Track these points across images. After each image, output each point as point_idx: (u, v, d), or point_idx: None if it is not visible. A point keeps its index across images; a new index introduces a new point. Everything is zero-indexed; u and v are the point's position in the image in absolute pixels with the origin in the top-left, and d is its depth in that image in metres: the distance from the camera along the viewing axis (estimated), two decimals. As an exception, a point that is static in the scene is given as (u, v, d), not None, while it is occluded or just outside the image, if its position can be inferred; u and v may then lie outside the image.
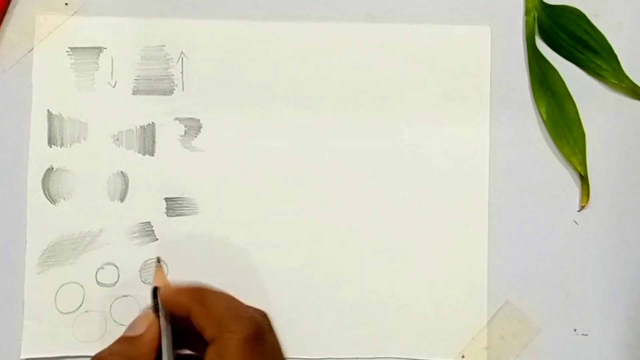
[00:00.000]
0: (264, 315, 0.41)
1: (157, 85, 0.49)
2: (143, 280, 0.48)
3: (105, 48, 0.49)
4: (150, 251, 0.48)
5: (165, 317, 0.41)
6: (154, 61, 0.49)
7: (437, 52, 0.49)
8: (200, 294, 0.41)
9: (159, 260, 0.45)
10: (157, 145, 0.48)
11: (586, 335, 0.48)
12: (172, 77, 0.49)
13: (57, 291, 0.47)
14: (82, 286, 0.48)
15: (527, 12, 0.49)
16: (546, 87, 0.49)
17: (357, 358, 0.48)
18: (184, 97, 0.49)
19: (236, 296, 0.46)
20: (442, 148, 0.49)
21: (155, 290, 0.43)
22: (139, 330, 0.41)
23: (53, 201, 0.48)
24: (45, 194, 0.48)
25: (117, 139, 0.48)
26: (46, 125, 0.48)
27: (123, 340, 0.41)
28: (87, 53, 0.49)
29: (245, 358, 0.38)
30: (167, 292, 0.41)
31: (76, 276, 0.48)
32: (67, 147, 0.48)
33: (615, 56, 0.49)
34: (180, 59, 0.49)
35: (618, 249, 0.49)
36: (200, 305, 0.40)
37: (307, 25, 0.49)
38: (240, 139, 0.49)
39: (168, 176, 0.48)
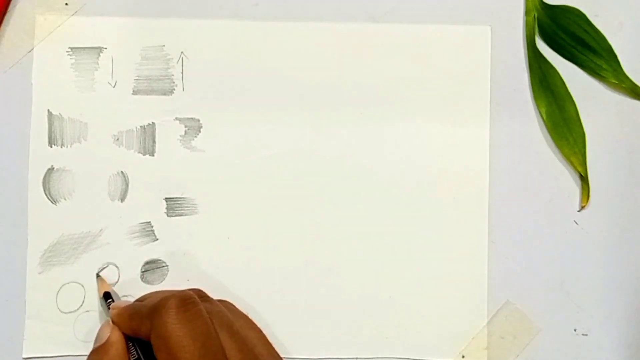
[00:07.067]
0: (192, 289, 0.43)
1: (157, 85, 0.49)
2: (143, 280, 0.48)
3: (105, 48, 0.49)
4: (150, 251, 0.48)
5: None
6: (154, 61, 0.49)
7: (437, 52, 0.49)
8: (130, 309, 0.43)
9: (98, 274, 0.47)
10: (157, 145, 0.48)
11: (586, 335, 0.48)
12: (172, 77, 0.49)
13: (58, 291, 0.48)
14: (83, 286, 0.48)
15: (527, 12, 0.49)
16: (546, 87, 0.49)
17: (357, 358, 0.48)
18: (184, 97, 0.49)
19: (235, 296, 0.47)
20: (442, 148, 0.49)
21: (105, 296, 0.45)
22: (103, 339, 0.42)
23: (54, 201, 0.48)
24: (45, 194, 0.48)
25: (117, 139, 0.48)
26: (46, 125, 0.48)
27: (92, 353, 0.43)
28: (87, 53, 0.49)
29: (183, 324, 0.39)
30: (113, 316, 0.44)
31: (77, 276, 0.48)
32: (67, 147, 0.48)
33: (615, 56, 0.49)
34: (180, 59, 0.49)
35: (618, 249, 0.49)
36: (130, 319, 0.42)
37: (307, 25, 0.49)
38: (240, 139, 0.49)
39: (168, 176, 0.48)
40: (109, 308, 0.45)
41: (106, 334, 0.43)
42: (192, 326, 0.39)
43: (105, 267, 0.48)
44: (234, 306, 0.45)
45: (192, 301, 0.40)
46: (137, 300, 0.46)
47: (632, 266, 0.49)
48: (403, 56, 0.49)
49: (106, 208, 0.48)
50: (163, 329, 0.39)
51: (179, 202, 0.48)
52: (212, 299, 0.44)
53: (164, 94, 0.49)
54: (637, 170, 0.49)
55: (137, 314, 0.42)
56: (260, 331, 0.43)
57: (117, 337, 0.42)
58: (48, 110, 0.48)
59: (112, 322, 0.43)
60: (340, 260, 0.48)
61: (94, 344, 0.43)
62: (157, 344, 0.39)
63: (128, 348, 0.42)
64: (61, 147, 0.48)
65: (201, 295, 0.43)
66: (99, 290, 0.47)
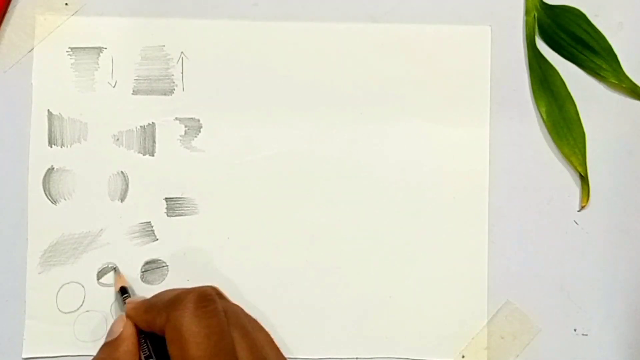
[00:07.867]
0: (210, 287, 0.43)
1: (157, 85, 0.49)
2: (143, 280, 0.48)
3: (105, 48, 0.49)
4: (150, 251, 0.48)
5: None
6: (154, 61, 0.49)
7: (437, 52, 0.49)
8: (146, 303, 0.43)
9: (115, 269, 0.48)
10: (157, 145, 0.48)
11: (586, 335, 0.48)
12: (172, 77, 0.49)
13: (58, 291, 0.48)
14: (83, 286, 0.48)
15: (527, 12, 0.49)
16: (546, 87, 0.49)
17: (357, 358, 0.48)
18: (184, 97, 0.49)
19: (235, 296, 0.47)
20: (442, 148, 0.49)
21: (121, 291, 0.46)
22: (116, 333, 0.42)
23: (54, 201, 0.48)
24: (45, 194, 0.48)
25: (117, 139, 0.48)
26: (46, 125, 0.48)
27: (104, 346, 0.43)
28: (87, 53, 0.49)
29: (199, 320, 0.39)
30: (128, 310, 0.44)
31: (77, 276, 0.48)
32: (67, 147, 0.48)
33: (615, 56, 0.49)
34: (180, 59, 0.49)
35: (618, 249, 0.49)
36: (146, 313, 0.42)
37: (307, 26, 0.49)
38: (240, 139, 0.49)
39: (168, 176, 0.48)
40: (124, 303, 0.45)
41: (119, 329, 0.43)
42: (207, 323, 0.39)
43: (106, 267, 0.48)
44: (242, 309, 0.45)
45: (210, 298, 0.40)
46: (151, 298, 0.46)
47: (632, 266, 0.49)
48: (403, 56, 0.49)
49: (106, 208, 0.48)
50: (179, 322, 0.39)
51: (179, 202, 0.48)
52: (227, 298, 0.45)
53: (164, 94, 0.49)
54: (637, 170, 0.49)
55: (153, 307, 0.42)
56: (268, 334, 0.43)
57: (129, 333, 0.42)
58: (48, 110, 0.48)
59: (127, 315, 0.43)
60: (340, 260, 0.48)
61: (106, 338, 0.43)
62: (171, 336, 0.39)
63: (140, 344, 0.42)
64: (61, 147, 0.48)
65: (218, 292, 0.43)
66: (115, 284, 0.47)
